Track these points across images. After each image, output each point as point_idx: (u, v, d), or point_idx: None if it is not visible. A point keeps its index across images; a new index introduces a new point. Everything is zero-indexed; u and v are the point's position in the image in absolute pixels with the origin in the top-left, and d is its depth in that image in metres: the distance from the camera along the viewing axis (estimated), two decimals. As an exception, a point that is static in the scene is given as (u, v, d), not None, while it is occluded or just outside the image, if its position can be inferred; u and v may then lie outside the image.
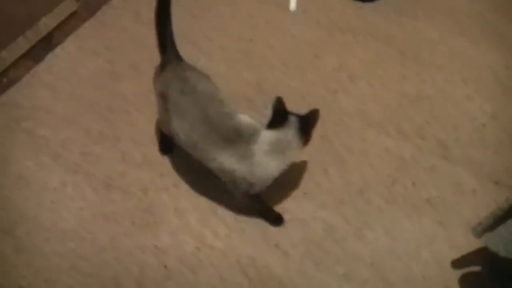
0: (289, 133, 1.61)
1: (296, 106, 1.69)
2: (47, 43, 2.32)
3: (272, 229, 1.80)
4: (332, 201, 1.85)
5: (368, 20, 2.38)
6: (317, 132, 1.75)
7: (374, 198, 1.85)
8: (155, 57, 1.76)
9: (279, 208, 1.84)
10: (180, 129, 1.66)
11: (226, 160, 1.60)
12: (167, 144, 1.97)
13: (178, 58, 1.76)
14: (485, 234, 1.49)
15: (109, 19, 2.42)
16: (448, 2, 2.44)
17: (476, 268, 1.70)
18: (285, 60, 2.24)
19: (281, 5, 2.45)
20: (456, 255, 1.72)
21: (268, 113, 1.63)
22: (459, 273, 1.70)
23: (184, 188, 1.90)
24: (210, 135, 1.61)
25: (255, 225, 1.81)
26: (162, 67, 1.75)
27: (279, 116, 1.62)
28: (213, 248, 1.77)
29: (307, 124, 1.64)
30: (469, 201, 1.84)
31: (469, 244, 1.71)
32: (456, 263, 1.71)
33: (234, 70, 2.20)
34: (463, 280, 1.68)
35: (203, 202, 1.87)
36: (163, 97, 1.70)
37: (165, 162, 1.95)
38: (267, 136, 1.60)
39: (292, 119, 1.62)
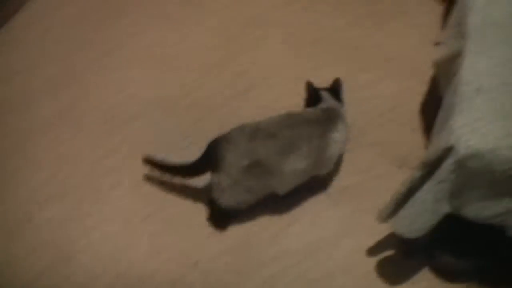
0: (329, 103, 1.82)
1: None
2: None
3: (190, 247, 1.77)
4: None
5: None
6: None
7: (292, 194, 1.82)
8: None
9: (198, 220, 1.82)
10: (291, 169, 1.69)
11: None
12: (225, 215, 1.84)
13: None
14: (391, 219, 1.53)
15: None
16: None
17: (392, 251, 1.73)
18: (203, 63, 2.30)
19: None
20: (374, 241, 1.75)
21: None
22: (378, 258, 1.72)
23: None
24: None
25: (172, 247, 1.78)
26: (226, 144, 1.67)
27: (314, 95, 1.84)
28: (130, 277, 1.72)
29: (337, 92, 1.86)
30: (383, 185, 1.86)
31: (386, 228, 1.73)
32: (373, 249, 1.73)
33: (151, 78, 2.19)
34: (382, 264, 1.70)
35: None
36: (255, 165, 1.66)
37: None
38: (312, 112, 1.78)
39: (324, 94, 1.84)
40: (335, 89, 1.88)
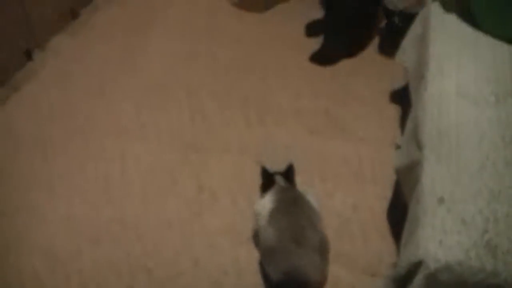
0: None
1: (163, 236, 1.73)
2: None
3: None
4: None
5: (219, 134, 2.42)
6: (188, 258, 1.91)
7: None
8: None
9: None
10: None
11: None
12: None
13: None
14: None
15: None
16: (292, 104, 2.55)
17: None
18: (145, 191, 2.19)
19: (134, 135, 2.43)
20: None
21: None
22: None
23: None
24: None
25: None
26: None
27: (268, 179, 1.97)
28: None
29: (290, 176, 1.98)
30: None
31: None
32: None
33: (95, 211, 2.12)
34: None
35: None
36: None
37: None
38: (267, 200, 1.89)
39: (278, 178, 1.96)
40: (288, 174, 1.99)
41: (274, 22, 3.02)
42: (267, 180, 1.99)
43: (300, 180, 2.18)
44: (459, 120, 1.65)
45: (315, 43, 2.80)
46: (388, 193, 2.09)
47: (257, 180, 2.05)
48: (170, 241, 2.00)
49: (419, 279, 1.34)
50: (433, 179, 1.50)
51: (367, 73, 2.67)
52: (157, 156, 2.34)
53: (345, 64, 2.74)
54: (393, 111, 2.46)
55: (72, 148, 2.37)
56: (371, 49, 2.80)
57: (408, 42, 2.24)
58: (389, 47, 2.66)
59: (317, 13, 2.94)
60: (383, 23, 2.83)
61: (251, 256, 1.94)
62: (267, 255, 1.83)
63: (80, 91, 2.67)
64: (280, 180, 1.97)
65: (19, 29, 2.71)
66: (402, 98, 2.39)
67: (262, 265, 1.88)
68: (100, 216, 2.10)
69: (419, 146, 1.66)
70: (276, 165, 2.05)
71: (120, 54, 2.88)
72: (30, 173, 2.27)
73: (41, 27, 2.85)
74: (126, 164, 2.30)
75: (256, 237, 1.91)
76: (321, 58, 2.74)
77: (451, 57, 1.85)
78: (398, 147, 2.20)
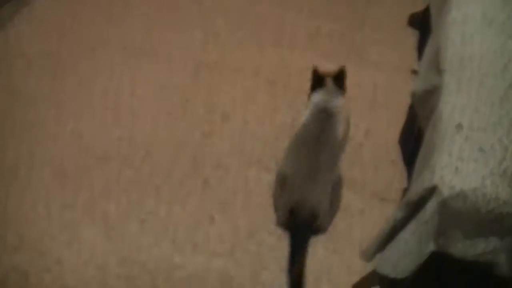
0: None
1: (173, 156, 1.73)
2: None
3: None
4: (223, 249, 1.78)
5: (232, 54, 2.36)
6: (197, 178, 1.87)
7: (265, 238, 1.79)
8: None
9: (168, 265, 1.74)
10: None
11: None
12: None
13: None
14: (376, 258, 1.49)
15: None
16: (308, 26, 2.48)
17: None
18: (155, 110, 2.16)
19: (145, 55, 2.38)
20: (354, 280, 1.71)
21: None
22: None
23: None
24: None
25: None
26: None
27: (318, 80, 1.97)
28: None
29: (341, 80, 1.98)
30: (359, 222, 1.84)
31: (365, 266, 1.70)
32: (355, 288, 1.70)
33: (104, 128, 2.10)
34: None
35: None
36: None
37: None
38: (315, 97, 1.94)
39: (328, 81, 1.97)
40: (339, 77, 1.99)
41: None
42: (317, 82, 2.00)
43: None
44: (483, 47, 1.58)
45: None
46: (401, 120, 2.06)
47: (269, 102, 2.02)
48: (179, 161, 1.99)
49: (431, 205, 1.32)
50: (453, 106, 1.45)
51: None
52: (168, 75, 2.30)
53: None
54: (411, 36, 2.39)
55: (81, 66, 2.33)
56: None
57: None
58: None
59: None
60: None
61: (259, 177, 1.93)
62: (281, 183, 1.82)
63: (90, 7, 2.60)
64: (329, 83, 1.98)
65: None
66: (421, 22, 2.32)
67: (274, 191, 1.88)
68: (109, 134, 2.08)
69: (439, 71, 1.60)
70: (288, 89, 2.02)
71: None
72: (39, 90, 2.23)
73: None
74: (136, 82, 2.26)
75: None
76: None
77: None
78: (414, 72, 2.14)
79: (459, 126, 1.40)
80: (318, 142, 1.83)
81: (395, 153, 1.98)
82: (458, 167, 1.31)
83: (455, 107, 1.45)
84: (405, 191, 1.69)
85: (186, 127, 2.10)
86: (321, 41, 2.39)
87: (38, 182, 1.93)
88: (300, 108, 2.08)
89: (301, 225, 1.74)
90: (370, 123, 2.09)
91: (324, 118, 1.88)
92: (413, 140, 1.80)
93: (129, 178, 1.93)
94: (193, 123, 2.12)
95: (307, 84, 2.17)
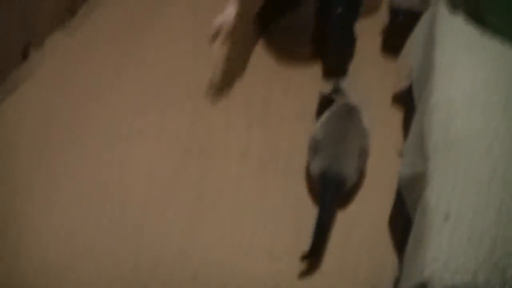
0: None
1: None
2: None
3: None
4: None
5: (220, 137, 2.37)
6: (185, 273, 1.88)
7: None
8: None
9: None
10: None
11: None
12: None
13: None
14: None
15: None
16: (295, 107, 2.49)
17: None
18: (143, 200, 2.14)
19: (132, 140, 2.38)
20: None
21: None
22: None
23: None
24: None
25: None
26: None
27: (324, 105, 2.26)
28: None
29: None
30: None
31: None
32: None
33: (91, 220, 2.07)
34: None
35: None
36: None
37: None
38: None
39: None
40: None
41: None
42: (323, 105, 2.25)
43: (302, 186, 2.14)
44: (466, 129, 1.58)
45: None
46: (390, 201, 2.03)
47: (258, 187, 2.00)
48: (166, 254, 1.95)
49: (424, 301, 1.29)
50: (439, 194, 1.44)
51: (369, 73, 2.59)
52: (156, 161, 2.29)
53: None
54: (396, 113, 2.39)
55: (69, 153, 2.31)
56: (374, 49, 2.72)
57: (413, 43, 2.17)
58: (393, 46, 2.59)
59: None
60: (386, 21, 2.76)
61: (249, 270, 1.89)
62: (312, 150, 2.09)
63: (78, 92, 2.61)
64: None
65: (15, 27, 2.64)
66: (406, 99, 2.32)
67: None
68: (96, 225, 2.05)
69: (424, 156, 1.59)
70: (277, 171, 2.00)
71: (118, 54, 2.81)
72: (25, 180, 2.21)
73: (38, 25, 2.78)
74: (124, 170, 2.25)
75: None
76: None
77: (459, 62, 1.78)
78: (401, 154, 2.14)
79: (447, 215, 1.38)
80: (348, 115, 2.15)
81: (386, 237, 1.95)
82: (448, 261, 1.28)
83: (442, 195, 1.44)
84: (397, 280, 1.65)
85: (174, 217, 2.07)
86: (310, 119, 2.40)
87: (21, 277, 1.88)
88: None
89: (330, 189, 1.99)
90: (358, 206, 2.07)
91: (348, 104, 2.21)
92: (402, 224, 1.77)
93: (115, 273, 1.88)
94: (181, 212, 2.08)
95: (296, 164, 2.18)
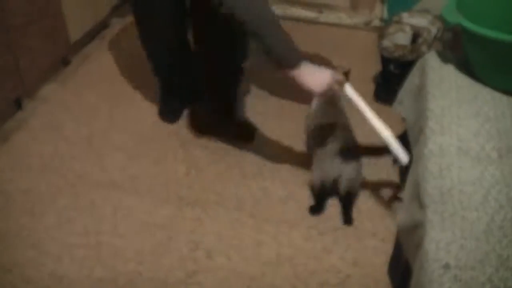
0: None
1: None
2: None
3: None
4: None
5: (214, 187, 2.36)
6: None
7: None
8: None
9: None
10: None
11: None
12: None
13: None
14: None
15: None
16: (289, 156, 2.50)
17: None
18: (137, 249, 2.11)
19: (126, 189, 2.36)
20: None
21: None
22: None
23: None
24: None
25: None
26: None
27: None
28: None
29: None
30: None
31: None
32: None
33: (85, 270, 2.03)
34: None
35: None
36: None
37: None
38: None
39: None
40: None
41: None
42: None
43: (296, 234, 2.13)
44: (461, 178, 1.59)
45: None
46: (389, 247, 2.03)
47: (252, 237, 1.98)
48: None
49: None
50: (437, 244, 1.43)
51: (363, 123, 2.62)
52: (150, 211, 2.27)
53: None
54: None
55: (61, 203, 2.30)
56: (367, 97, 2.75)
57: (405, 93, 2.20)
58: (385, 95, 2.63)
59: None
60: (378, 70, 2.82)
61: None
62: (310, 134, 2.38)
63: (70, 142, 2.61)
64: None
65: (8, 77, 2.66)
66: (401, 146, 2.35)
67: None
68: (89, 275, 2.01)
69: (421, 206, 1.60)
70: (271, 221, 1.99)
71: (110, 103, 2.84)
72: (17, 229, 2.18)
73: (31, 76, 2.80)
74: (117, 219, 2.23)
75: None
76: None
77: (451, 111, 1.81)
78: (398, 199, 2.15)
79: (447, 266, 1.37)
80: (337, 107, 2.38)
81: (385, 284, 1.93)
82: (450, 313, 1.27)
83: (440, 245, 1.43)
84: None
85: (169, 267, 2.04)
86: (302, 169, 2.41)
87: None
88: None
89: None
90: (357, 253, 2.06)
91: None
92: (402, 272, 1.76)
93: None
94: (177, 262, 2.06)
95: (291, 213, 2.17)
